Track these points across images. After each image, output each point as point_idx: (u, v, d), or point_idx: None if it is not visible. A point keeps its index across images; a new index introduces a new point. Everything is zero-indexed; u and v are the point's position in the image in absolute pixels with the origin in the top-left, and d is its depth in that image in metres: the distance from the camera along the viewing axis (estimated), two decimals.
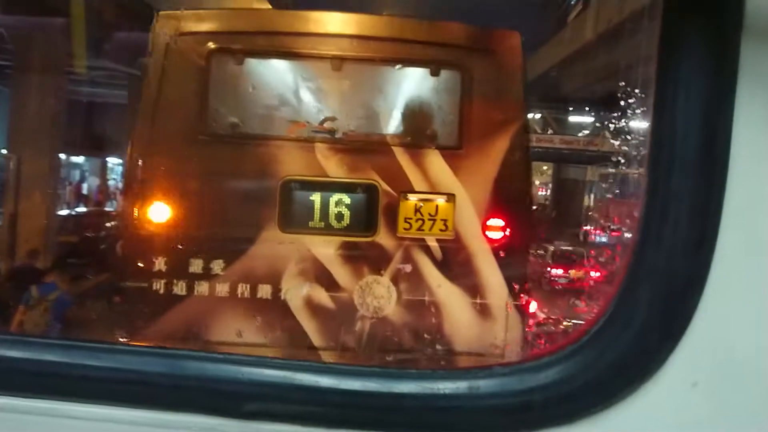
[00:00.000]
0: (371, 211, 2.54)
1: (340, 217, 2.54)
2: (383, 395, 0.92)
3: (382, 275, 2.52)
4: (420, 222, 2.53)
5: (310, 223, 2.55)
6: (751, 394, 0.91)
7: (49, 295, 4.65)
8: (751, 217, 0.90)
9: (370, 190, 2.54)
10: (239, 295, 2.52)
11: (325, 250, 2.53)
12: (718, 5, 0.88)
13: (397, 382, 0.93)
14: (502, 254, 2.47)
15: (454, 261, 2.52)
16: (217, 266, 2.49)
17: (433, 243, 2.53)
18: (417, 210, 2.53)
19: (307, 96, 2.63)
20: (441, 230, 2.52)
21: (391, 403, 0.92)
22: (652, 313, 0.90)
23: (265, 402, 0.92)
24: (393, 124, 2.66)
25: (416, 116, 2.62)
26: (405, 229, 2.53)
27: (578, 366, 0.92)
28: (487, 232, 2.53)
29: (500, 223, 2.52)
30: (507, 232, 2.49)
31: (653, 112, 0.90)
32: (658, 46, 0.89)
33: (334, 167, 2.54)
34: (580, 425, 0.91)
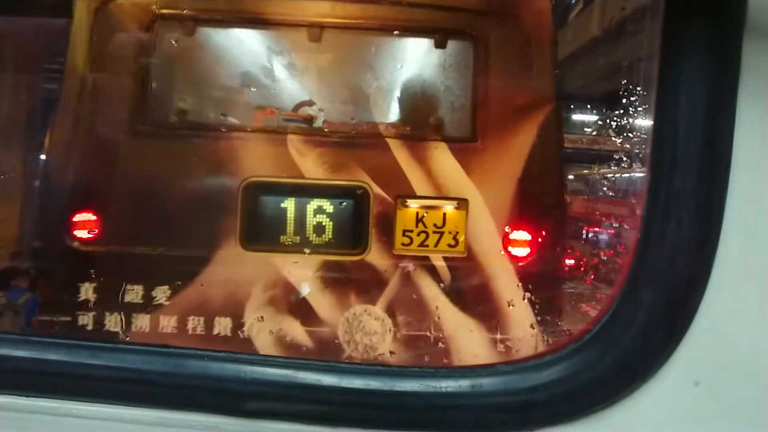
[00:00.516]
0: (360, 221, 2.05)
1: (319, 229, 2.05)
2: (385, 393, 0.94)
3: (374, 305, 2.03)
4: (423, 235, 2.04)
5: (282, 238, 2.05)
6: (753, 393, 0.93)
7: (19, 299, 4.25)
8: (753, 216, 0.91)
9: (359, 195, 2.05)
10: (190, 331, 2.03)
11: (301, 272, 2.05)
12: (720, 5, 0.89)
13: (399, 380, 0.95)
14: (528, 276, 1.96)
15: (467, 286, 2.04)
16: (160, 294, 2.00)
17: (439, 262, 2.04)
18: (419, 220, 2.04)
19: (276, 75, 2.14)
20: (450, 246, 2.03)
21: (393, 401, 0.94)
22: (654, 312, 0.92)
23: (267, 400, 0.94)
24: (387, 111, 2.18)
25: (417, 100, 2.14)
26: (404, 244, 2.04)
27: (581, 364, 0.93)
28: (509, 248, 2.05)
29: (526, 236, 2.02)
30: (535, 248, 1.92)
31: (655, 112, 0.91)
32: (660, 45, 0.91)
33: (311, 166, 2.05)
34: (582, 423, 0.93)
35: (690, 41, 0.89)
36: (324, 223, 2.03)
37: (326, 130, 2.06)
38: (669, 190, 0.90)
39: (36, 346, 0.96)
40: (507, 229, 2.01)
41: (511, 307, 1.87)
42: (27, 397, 0.93)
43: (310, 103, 2.05)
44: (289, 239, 2.04)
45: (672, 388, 0.91)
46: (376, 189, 2.03)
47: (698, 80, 0.89)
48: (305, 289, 1.99)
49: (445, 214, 2.03)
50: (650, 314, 0.91)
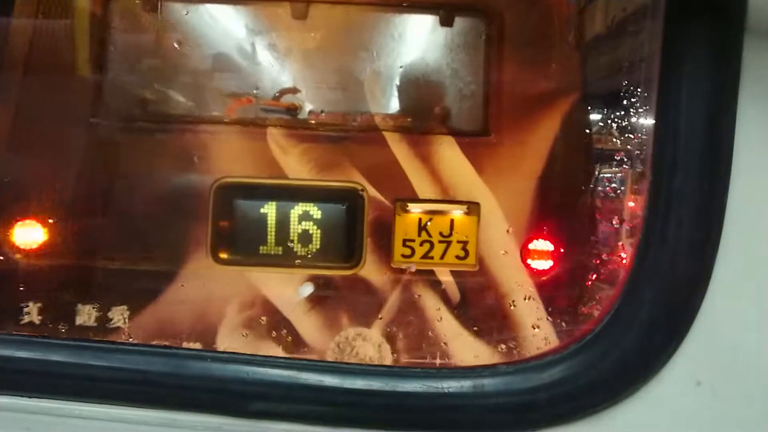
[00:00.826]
0: (353, 229, 1.77)
1: (305, 239, 1.76)
2: (388, 394, 0.95)
3: (369, 328, 1.76)
4: (427, 245, 1.75)
5: (261, 249, 1.76)
6: (755, 393, 0.93)
7: None
8: (754, 216, 0.92)
9: (351, 199, 1.77)
10: None
11: (284, 289, 1.78)
12: (721, 5, 0.89)
13: (401, 380, 0.95)
14: (551, 293, 1.70)
15: (479, 305, 1.76)
16: (118, 316, 1.72)
17: (446, 277, 1.77)
18: (422, 227, 1.75)
19: (255, 58, 1.86)
20: (459, 258, 1.75)
21: (395, 401, 0.95)
22: (655, 313, 0.93)
23: (270, 401, 0.94)
24: (385, 100, 1.90)
25: (420, 87, 1.86)
26: (404, 256, 1.76)
27: (582, 364, 0.93)
28: (529, 261, 1.77)
29: (548, 246, 1.75)
30: (559, 260, 1.63)
31: (656, 112, 0.92)
32: (661, 45, 0.92)
33: (295, 164, 1.78)
34: (584, 424, 0.94)
35: (690, 41, 0.90)
36: (310, 232, 1.76)
37: (313, 122, 1.81)
38: (670, 191, 0.91)
39: (39, 346, 0.97)
40: (527, 238, 1.75)
41: (535, 330, 1.58)
42: (30, 397, 0.94)
43: (293, 91, 1.79)
44: (270, 250, 1.75)
45: (673, 389, 0.92)
46: (372, 191, 1.76)
47: (699, 81, 0.90)
48: (306, 290, 1.76)
49: (452, 220, 1.75)
50: (651, 314, 0.92)
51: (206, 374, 0.95)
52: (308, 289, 1.73)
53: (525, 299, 1.66)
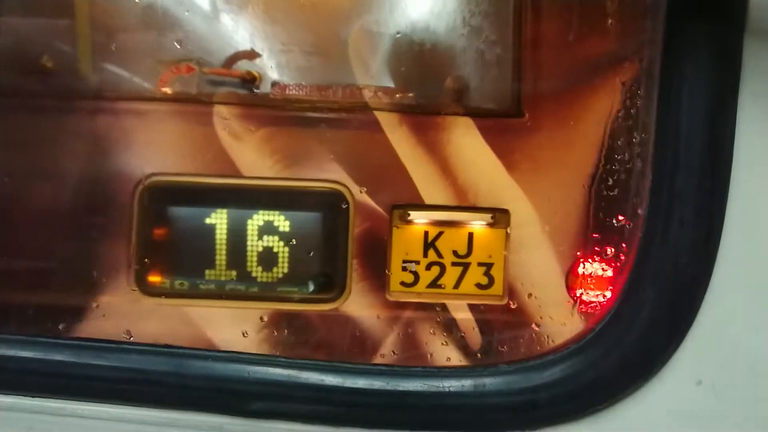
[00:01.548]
0: (333, 247, 1.36)
1: (268, 260, 1.36)
2: (389, 393, 0.95)
3: None
4: (436, 270, 1.33)
5: (207, 273, 1.35)
6: (756, 392, 0.94)
7: None
8: (755, 215, 0.93)
9: (331, 205, 1.36)
10: None
11: (237, 331, 1.32)
12: (721, 5, 0.90)
13: (402, 380, 0.96)
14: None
15: (510, 352, 1.30)
16: None
17: (463, 314, 1.34)
18: (429, 244, 1.33)
19: (198, 9, 1.39)
20: (480, 287, 1.32)
21: (396, 401, 0.95)
22: (656, 312, 0.94)
23: (270, 400, 0.95)
24: (377, 68, 1.44)
25: (425, 50, 1.39)
26: (404, 284, 1.34)
27: (583, 364, 0.94)
28: (577, 291, 1.30)
29: (605, 270, 1.26)
30: (619, 290, 1.19)
31: (657, 112, 0.95)
32: (661, 45, 0.94)
33: (253, 156, 1.35)
34: (585, 423, 0.94)
35: (691, 41, 0.90)
36: (275, 250, 1.38)
37: (277, 98, 1.38)
38: (671, 190, 0.92)
39: (41, 346, 0.97)
40: (575, 259, 1.30)
41: None
42: (32, 397, 0.94)
43: (251, 55, 1.37)
44: (219, 275, 1.37)
45: (674, 388, 0.93)
46: (359, 194, 1.36)
47: (699, 80, 0.90)
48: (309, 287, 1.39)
49: (471, 234, 1.36)
50: (652, 314, 0.93)
51: (207, 374, 0.96)
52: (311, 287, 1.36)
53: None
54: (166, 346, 1.00)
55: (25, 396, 0.95)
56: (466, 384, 0.95)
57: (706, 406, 0.94)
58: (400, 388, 0.95)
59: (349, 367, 0.97)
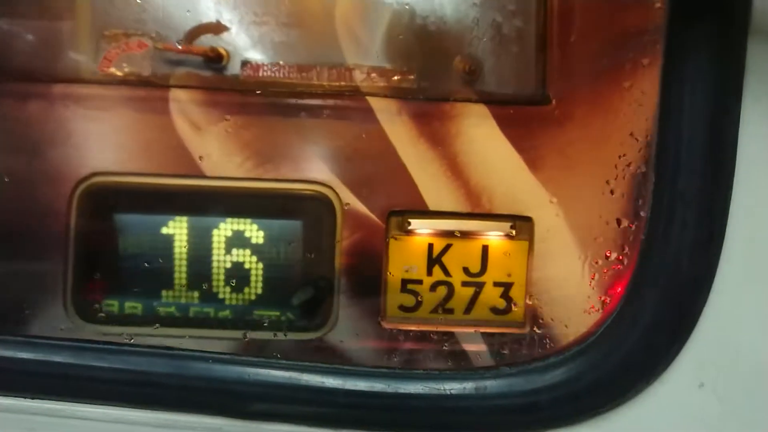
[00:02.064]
0: (316, 263, 1.16)
1: (238, 279, 1.16)
2: (389, 396, 0.95)
3: None
4: (443, 290, 1.13)
5: (163, 296, 1.14)
6: (759, 395, 0.95)
7: None
8: (758, 217, 0.93)
9: (314, 211, 1.16)
10: None
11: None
12: (724, 6, 0.91)
13: (403, 382, 0.95)
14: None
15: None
16: None
17: (476, 345, 1.15)
18: (435, 259, 1.13)
19: None
20: (497, 311, 1.13)
21: (397, 403, 0.95)
22: (658, 314, 0.93)
23: (271, 402, 0.95)
24: (370, 44, 1.20)
25: (429, 24, 1.17)
26: (403, 309, 1.14)
27: (585, 366, 0.94)
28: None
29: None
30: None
31: (659, 112, 0.92)
32: (663, 45, 0.92)
33: (218, 152, 1.14)
34: (586, 425, 0.94)
35: (694, 42, 0.90)
36: (247, 266, 1.18)
37: (248, 80, 1.16)
38: (673, 191, 0.91)
39: (41, 347, 0.96)
40: (613, 278, 1.09)
41: None
42: (32, 398, 0.94)
43: (216, 28, 1.13)
44: (178, 298, 1.16)
45: (677, 390, 0.93)
46: (349, 197, 1.16)
47: (702, 81, 0.90)
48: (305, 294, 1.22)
49: (486, 247, 1.16)
50: (654, 316, 0.92)
51: (207, 375, 0.94)
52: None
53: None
54: (167, 348, 0.96)
55: (26, 397, 0.94)
56: (467, 387, 0.93)
57: (709, 408, 0.93)
58: (401, 391, 0.94)
59: (350, 370, 0.95)
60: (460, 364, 1.16)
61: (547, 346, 1.16)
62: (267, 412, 0.95)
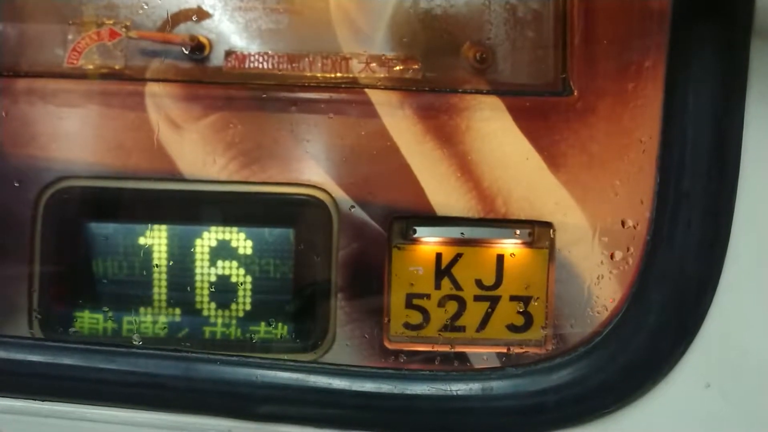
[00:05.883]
0: (311, 275, 1.09)
1: (225, 293, 1.10)
2: (396, 397, 0.96)
3: None
4: (453, 306, 1.08)
5: (143, 313, 1.09)
6: (764, 395, 0.96)
7: None
8: (763, 217, 0.94)
9: (308, 217, 1.09)
10: None
11: None
12: (728, 7, 0.92)
13: (410, 383, 0.97)
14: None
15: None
16: None
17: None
18: (443, 270, 1.08)
19: None
20: (514, 329, 1.08)
21: (404, 404, 0.96)
22: (664, 315, 0.94)
23: (279, 404, 0.96)
24: (371, 33, 1.14)
25: (435, 11, 1.10)
26: (408, 327, 1.08)
27: (591, 367, 0.95)
28: None
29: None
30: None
31: (663, 113, 0.93)
32: (668, 46, 0.93)
33: (200, 152, 1.07)
34: (592, 426, 0.95)
35: (698, 43, 0.90)
36: (234, 280, 1.11)
37: (233, 71, 1.10)
38: (678, 192, 0.91)
39: (50, 350, 0.97)
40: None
41: None
42: (42, 401, 0.95)
43: (198, 14, 1.04)
44: (158, 316, 1.10)
45: (682, 391, 0.94)
46: (346, 201, 1.10)
47: (706, 82, 0.90)
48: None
49: (501, 257, 1.10)
50: (660, 316, 0.93)
51: (216, 377, 0.94)
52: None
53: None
54: (175, 350, 0.97)
55: (35, 399, 0.95)
56: (473, 387, 0.94)
57: (714, 409, 0.94)
58: (408, 392, 0.94)
59: (357, 371, 0.97)
60: (466, 365, 1.11)
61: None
62: (275, 414, 0.96)
